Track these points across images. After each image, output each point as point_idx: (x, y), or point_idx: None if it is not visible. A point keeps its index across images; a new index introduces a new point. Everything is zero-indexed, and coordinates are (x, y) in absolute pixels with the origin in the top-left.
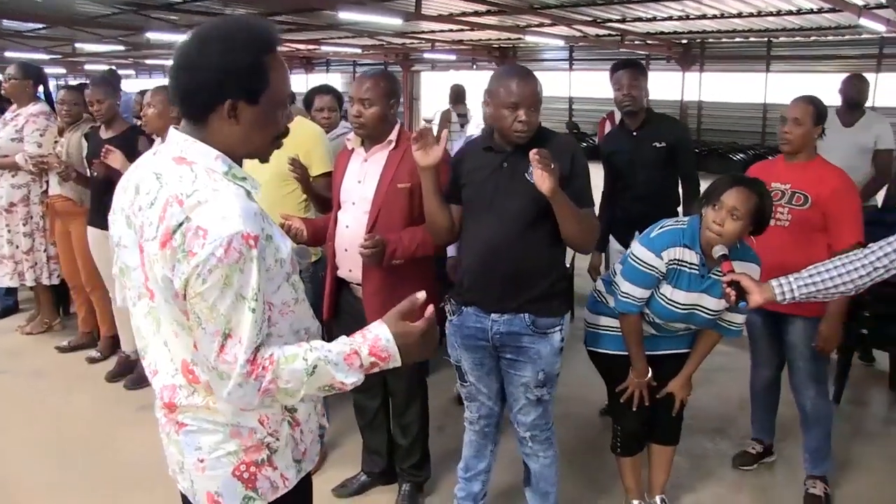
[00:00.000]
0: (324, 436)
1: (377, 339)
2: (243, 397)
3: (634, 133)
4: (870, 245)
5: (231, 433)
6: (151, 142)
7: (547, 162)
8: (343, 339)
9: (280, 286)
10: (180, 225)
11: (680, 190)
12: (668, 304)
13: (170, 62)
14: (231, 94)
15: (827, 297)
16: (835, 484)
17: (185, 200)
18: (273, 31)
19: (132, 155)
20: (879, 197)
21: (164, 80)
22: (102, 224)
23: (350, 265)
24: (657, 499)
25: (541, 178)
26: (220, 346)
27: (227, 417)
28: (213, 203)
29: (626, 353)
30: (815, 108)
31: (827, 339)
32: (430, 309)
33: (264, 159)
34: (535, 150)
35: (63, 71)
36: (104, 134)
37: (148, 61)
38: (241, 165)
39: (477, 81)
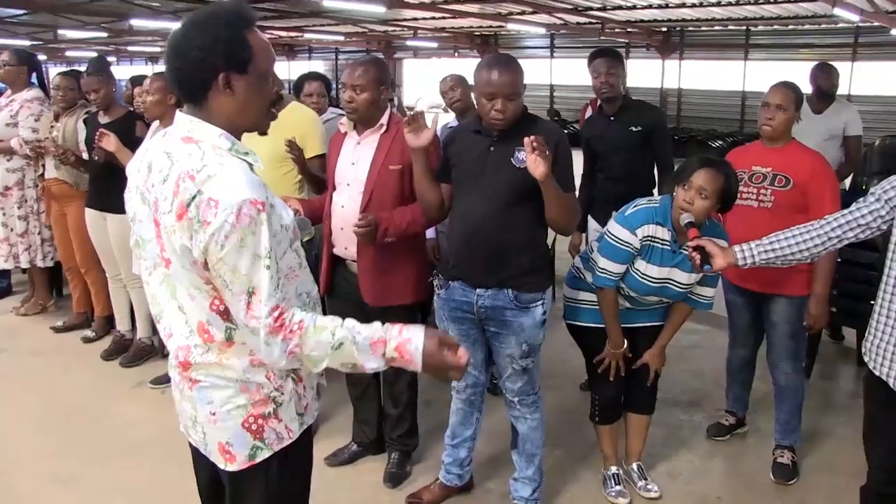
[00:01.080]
0: (320, 395)
1: (408, 341)
2: (271, 354)
3: (612, 118)
4: (825, 216)
5: (240, 388)
6: (148, 126)
7: (542, 148)
8: (377, 324)
9: (286, 252)
10: (193, 198)
11: (655, 171)
12: (642, 278)
13: (151, 49)
14: (221, 67)
15: (785, 262)
16: (802, 453)
17: (196, 175)
18: (248, 9)
19: (130, 139)
20: (847, 182)
21: (145, 67)
22: (100, 206)
23: (346, 243)
24: (634, 465)
25: (534, 164)
26: (246, 304)
27: (237, 374)
28: (221, 176)
29: (602, 326)
30: (795, 94)
31: (816, 318)
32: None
33: (263, 131)
34: (531, 137)
35: (44, 57)
36: (103, 119)
37: (130, 48)
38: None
39: (455, 69)
